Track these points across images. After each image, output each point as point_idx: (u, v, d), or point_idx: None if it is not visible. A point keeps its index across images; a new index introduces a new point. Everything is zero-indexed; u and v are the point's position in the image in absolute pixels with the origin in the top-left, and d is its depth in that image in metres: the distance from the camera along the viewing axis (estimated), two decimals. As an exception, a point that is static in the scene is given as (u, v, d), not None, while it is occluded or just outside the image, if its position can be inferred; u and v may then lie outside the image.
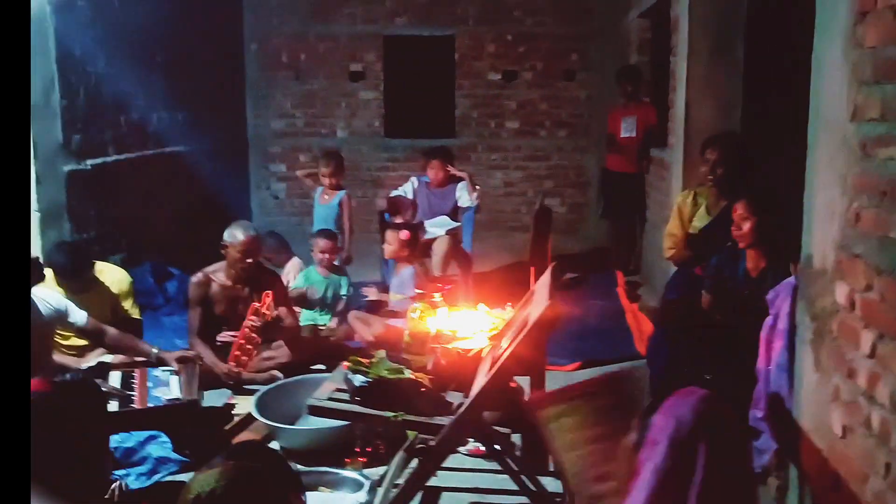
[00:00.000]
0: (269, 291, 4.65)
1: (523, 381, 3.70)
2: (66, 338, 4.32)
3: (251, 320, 4.57)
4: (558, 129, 8.76)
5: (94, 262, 4.50)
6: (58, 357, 4.13)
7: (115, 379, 3.88)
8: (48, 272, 4.22)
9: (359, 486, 3.40)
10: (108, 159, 5.74)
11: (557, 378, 4.64)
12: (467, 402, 2.96)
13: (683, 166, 5.37)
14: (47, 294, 3.90)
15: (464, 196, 6.39)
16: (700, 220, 4.57)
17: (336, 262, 5.75)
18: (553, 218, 6.91)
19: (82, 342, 4.33)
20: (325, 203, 6.34)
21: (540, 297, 3.14)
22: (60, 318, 3.97)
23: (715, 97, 5.27)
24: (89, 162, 5.45)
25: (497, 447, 3.24)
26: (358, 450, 3.73)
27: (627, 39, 7.62)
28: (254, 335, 4.59)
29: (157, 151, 6.52)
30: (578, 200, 8.68)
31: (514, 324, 3.28)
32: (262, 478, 1.41)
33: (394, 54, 8.82)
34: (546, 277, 3.32)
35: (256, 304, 4.59)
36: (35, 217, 4.74)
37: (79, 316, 4.04)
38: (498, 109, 8.80)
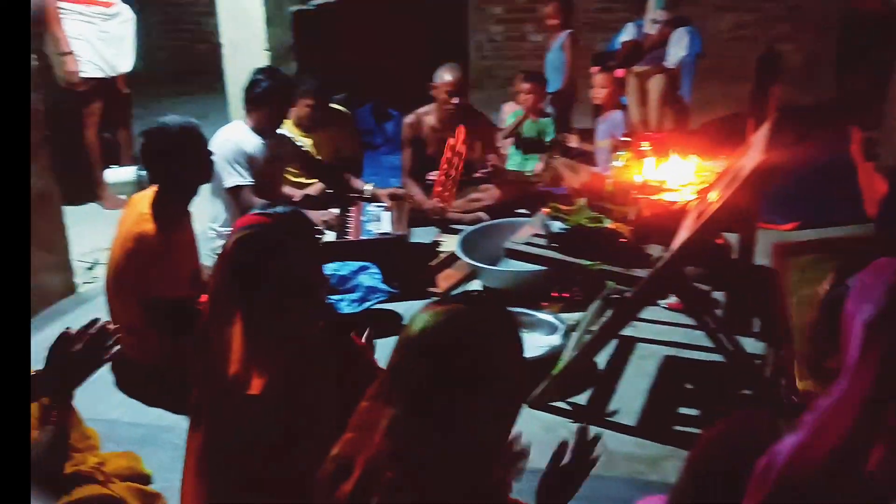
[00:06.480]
0: (462, 126, 4.69)
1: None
2: (296, 175, 4.66)
3: (447, 156, 4.67)
4: (803, -37, 7.84)
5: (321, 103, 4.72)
6: (286, 189, 4.50)
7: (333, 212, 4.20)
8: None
9: (554, 329, 3.49)
10: (332, 0, 5.90)
11: (772, 237, 4.42)
12: (667, 255, 2.90)
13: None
14: (282, 133, 4.22)
15: (683, 41, 5.98)
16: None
17: (544, 107, 5.61)
18: (784, 66, 6.38)
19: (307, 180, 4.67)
20: (548, 46, 6.18)
21: (756, 149, 2.95)
22: (290, 154, 4.32)
23: None
24: (314, 2, 5.64)
25: (695, 303, 3.16)
26: (555, 294, 3.80)
27: None
28: (451, 171, 4.70)
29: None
30: (817, 48, 7.81)
31: (726, 177, 3.11)
32: (486, 323, 1.43)
33: None
34: (765, 129, 3.10)
35: (451, 140, 4.68)
36: (265, 56, 5.02)
37: (305, 154, 4.38)
38: (735, -59, 7.98)
